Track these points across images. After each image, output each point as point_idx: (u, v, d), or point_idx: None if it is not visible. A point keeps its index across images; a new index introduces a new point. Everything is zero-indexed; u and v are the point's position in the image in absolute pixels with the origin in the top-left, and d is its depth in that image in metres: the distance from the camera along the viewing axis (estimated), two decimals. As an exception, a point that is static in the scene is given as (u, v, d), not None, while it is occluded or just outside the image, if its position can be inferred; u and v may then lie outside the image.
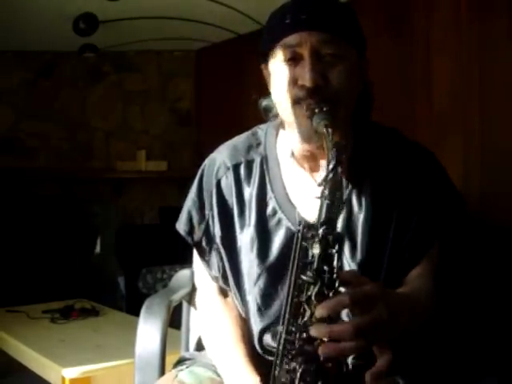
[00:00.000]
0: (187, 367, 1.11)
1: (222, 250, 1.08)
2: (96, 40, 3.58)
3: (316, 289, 0.79)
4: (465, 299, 2.14)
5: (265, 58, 1.02)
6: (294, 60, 0.95)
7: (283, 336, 0.83)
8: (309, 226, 0.83)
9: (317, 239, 0.80)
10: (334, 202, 0.82)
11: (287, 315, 0.83)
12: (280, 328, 0.84)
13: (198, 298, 1.20)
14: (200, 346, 1.20)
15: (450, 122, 2.68)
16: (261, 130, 1.14)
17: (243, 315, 1.09)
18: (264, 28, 1.03)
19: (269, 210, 1.04)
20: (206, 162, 1.14)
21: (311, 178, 1.04)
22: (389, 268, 0.99)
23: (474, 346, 2.13)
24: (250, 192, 1.06)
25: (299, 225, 0.85)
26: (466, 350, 2.09)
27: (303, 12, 0.93)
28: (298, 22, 0.93)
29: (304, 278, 0.81)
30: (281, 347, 0.84)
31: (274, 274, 1.01)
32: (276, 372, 0.85)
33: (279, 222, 1.03)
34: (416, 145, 1.07)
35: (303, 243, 0.83)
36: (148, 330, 1.17)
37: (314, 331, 0.77)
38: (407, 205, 1.00)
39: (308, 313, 0.80)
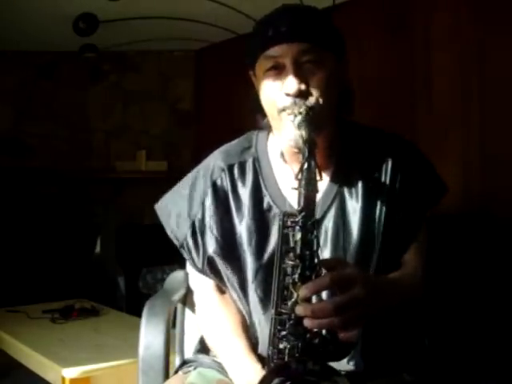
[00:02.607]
0: (194, 369, 1.12)
1: (219, 248, 1.11)
2: (96, 40, 3.58)
3: (299, 271, 0.86)
4: (463, 298, 2.14)
5: (251, 66, 1.10)
6: (276, 69, 1.02)
7: (273, 317, 0.90)
8: (290, 215, 0.91)
9: (297, 226, 0.88)
10: (309, 191, 0.89)
11: (275, 298, 0.90)
12: (272, 311, 0.91)
13: (196, 296, 1.21)
14: (203, 348, 1.20)
15: (450, 122, 2.68)
16: (252, 133, 1.20)
17: (243, 311, 1.11)
18: (248, 40, 1.10)
19: (264, 205, 1.10)
20: (200, 167, 1.20)
21: None
22: (380, 252, 1.06)
23: (474, 347, 2.13)
24: (244, 190, 1.12)
25: (280, 214, 0.93)
26: (465, 351, 2.09)
27: (283, 25, 1.01)
28: (279, 35, 1.00)
29: (288, 262, 0.89)
30: (272, 328, 0.91)
31: (272, 265, 1.06)
32: (269, 352, 0.92)
33: (275, 216, 1.09)
34: (397, 136, 1.15)
35: (285, 231, 0.91)
36: (151, 333, 1.16)
37: (298, 310, 0.84)
38: (395, 192, 1.08)
39: (294, 295, 0.87)
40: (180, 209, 1.16)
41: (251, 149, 1.16)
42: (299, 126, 0.95)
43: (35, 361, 2.14)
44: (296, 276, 0.87)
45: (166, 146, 4.37)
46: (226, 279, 1.12)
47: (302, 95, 0.99)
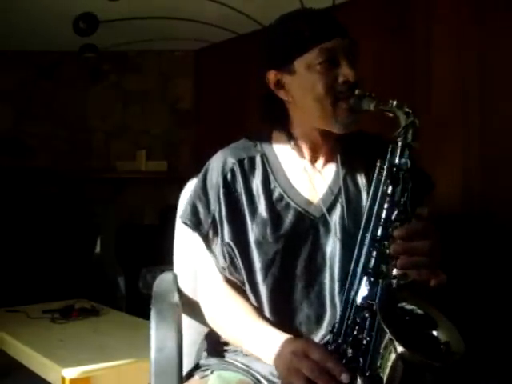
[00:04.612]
0: (212, 372, 1.12)
1: (233, 243, 1.12)
2: (96, 40, 3.58)
3: (395, 215, 0.93)
4: (466, 298, 2.14)
5: (284, 62, 1.10)
6: (330, 63, 1.07)
7: (364, 254, 0.95)
8: (391, 166, 0.97)
9: (398, 176, 0.95)
10: (408, 146, 0.96)
11: (369, 234, 0.95)
12: (355, 252, 0.96)
13: (203, 289, 1.21)
14: (212, 351, 1.19)
15: (449, 123, 2.68)
16: (251, 135, 1.23)
17: (254, 302, 1.11)
18: (281, 35, 1.11)
19: (275, 196, 1.13)
20: (210, 161, 1.21)
21: (311, 166, 1.16)
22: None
23: (474, 347, 2.12)
24: (256, 183, 1.15)
25: (379, 162, 0.99)
26: (465, 351, 2.09)
27: (331, 21, 1.10)
28: (334, 29, 1.08)
29: (384, 205, 0.95)
30: (362, 266, 0.95)
31: (288, 251, 1.09)
32: (353, 293, 0.94)
33: (287, 205, 1.12)
34: (380, 137, 1.20)
35: (380, 178, 0.97)
36: (163, 337, 1.15)
37: (395, 248, 0.90)
38: None
39: (384, 235, 0.93)
40: (199, 204, 1.17)
41: (257, 146, 1.19)
42: (372, 100, 1.03)
43: (35, 361, 2.14)
44: (394, 218, 0.93)
45: (165, 145, 4.37)
46: (240, 267, 1.12)
47: (357, 84, 1.06)
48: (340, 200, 1.12)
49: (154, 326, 1.17)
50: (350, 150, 1.16)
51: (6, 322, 2.55)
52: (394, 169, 0.96)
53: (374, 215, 0.96)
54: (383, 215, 0.95)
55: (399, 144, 0.96)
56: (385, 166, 0.97)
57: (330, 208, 1.11)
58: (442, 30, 2.72)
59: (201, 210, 1.16)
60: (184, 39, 3.90)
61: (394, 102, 0.99)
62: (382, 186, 0.97)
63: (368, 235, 0.95)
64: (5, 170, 3.91)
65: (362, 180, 1.14)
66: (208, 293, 1.19)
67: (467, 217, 2.47)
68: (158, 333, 1.16)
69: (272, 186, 1.14)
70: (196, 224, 1.16)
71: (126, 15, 3.33)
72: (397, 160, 0.96)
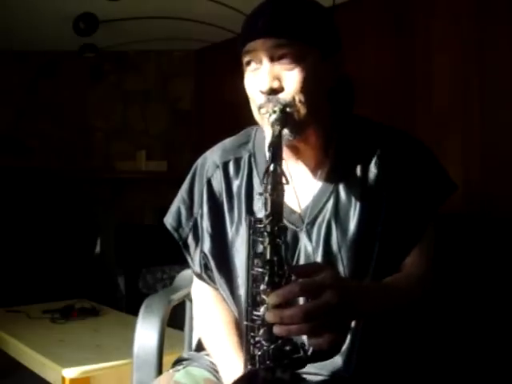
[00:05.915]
0: (184, 367, 1.12)
1: (212, 247, 1.10)
2: (96, 40, 3.58)
3: (267, 278, 0.83)
4: (463, 299, 2.14)
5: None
6: (254, 65, 0.98)
7: (246, 324, 0.89)
8: (257, 220, 0.88)
9: (265, 232, 0.85)
10: (275, 196, 0.85)
11: (246, 305, 0.88)
12: (244, 318, 0.90)
13: (192, 294, 1.22)
14: (200, 347, 1.20)
15: (449, 122, 2.68)
16: (251, 129, 1.17)
17: (233, 310, 1.11)
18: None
19: (257, 203, 1.07)
20: (198, 161, 1.18)
21: (295, 170, 1.07)
22: (379, 255, 1.01)
23: (473, 348, 2.12)
24: (238, 185, 1.10)
25: (247, 220, 0.90)
26: (465, 351, 2.09)
27: (261, 19, 0.97)
28: (255, 30, 0.97)
29: (256, 269, 0.86)
30: (245, 335, 0.89)
31: None
32: (243, 359, 0.91)
33: None
34: (402, 133, 1.08)
35: (253, 237, 0.88)
36: (146, 329, 1.17)
37: (268, 317, 0.81)
38: (396, 193, 1.03)
39: (266, 301, 0.84)
40: (182, 206, 1.15)
41: (248, 144, 1.14)
42: (272, 125, 0.93)
43: (35, 361, 2.15)
44: (265, 283, 0.84)
45: (165, 145, 4.37)
46: (217, 279, 1.11)
47: (275, 92, 0.96)
48: (325, 211, 1.03)
49: (139, 319, 1.20)
50: (349, 150, 1.06)
51: (5, 321, 2.55)
52: (261, 223, 0.86)
53: (250, 278, 0.88)
54: (258, 277, 0.86)
55: (268, 196, 0.85)
56: (251, 224, 0.88)
57: (315, 219, 1.03)
58: (442, 30, 2.72)
59: (183, 212, 1.14)
60: (184, 39, 3.90)
61: (284, 131, 0.92)
62: (252, 245, 0.88)
63: (246, 303, 0.88)
64: (5, 169, 3.91)
65: (357, 189, 1.03)
66: (195, 298, 1.20)
67: (467, 216, 2.47)
68: (142, 326, 1.18)
69: (255, 192, 1.08)
70: (175, 227, 1.15)
71: (126, 15, 3.33)
72: (262, 213, 0.86)
